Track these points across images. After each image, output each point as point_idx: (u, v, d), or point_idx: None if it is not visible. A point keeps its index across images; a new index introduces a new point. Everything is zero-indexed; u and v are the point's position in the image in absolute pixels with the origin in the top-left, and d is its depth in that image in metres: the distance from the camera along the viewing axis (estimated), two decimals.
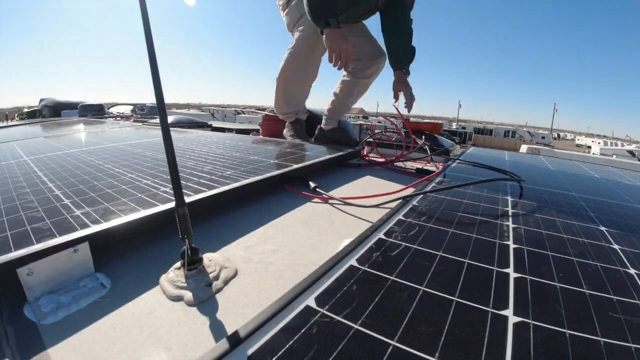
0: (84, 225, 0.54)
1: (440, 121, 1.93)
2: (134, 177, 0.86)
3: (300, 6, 1.39)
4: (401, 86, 1.46)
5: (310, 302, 0.39)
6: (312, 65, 1.55)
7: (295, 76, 1.58)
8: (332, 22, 1.20)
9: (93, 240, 0.50)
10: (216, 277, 0.48)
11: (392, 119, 1.71)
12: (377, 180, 1.07)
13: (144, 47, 0.41)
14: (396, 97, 1.48)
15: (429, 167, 1.27)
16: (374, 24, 1.62)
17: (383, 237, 0.58)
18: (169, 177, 0.47)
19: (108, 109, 6.03)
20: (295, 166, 0.99)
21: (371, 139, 1.77)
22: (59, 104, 5.40)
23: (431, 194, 0.85)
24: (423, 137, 1.68)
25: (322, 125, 1.64)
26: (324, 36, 1.22)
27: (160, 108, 0.44)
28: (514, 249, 0.56)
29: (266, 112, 2.45)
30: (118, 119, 4.07)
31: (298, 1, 1.45)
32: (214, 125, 3.65)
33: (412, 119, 1.68)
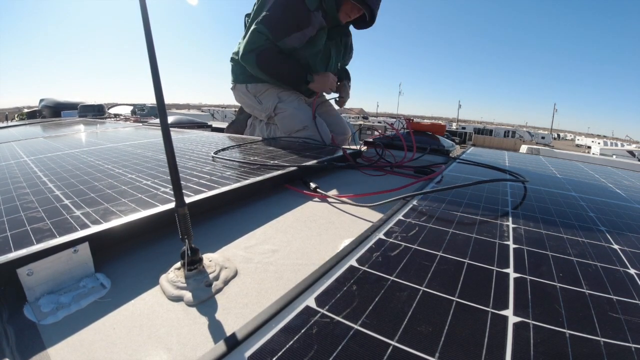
0: (84, 226, 0.54)
1: (441, 122, 1.94)
2: (134, 178, 0.86)
3: (271, 95, 1.90)
4: (342, 88, 2.10)
5: (310, 302, 0.39)
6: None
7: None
8: (309, 78, 1.78)
9: (93, 240, 0.50)
10: (216, 278, 0.48)
11: (391, 122, 1.76)
12: (377, 180, 1.07)
13: (144, 47, 0.41)
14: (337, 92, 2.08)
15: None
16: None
17: (383, 237, 0.58)
18: (169, 177, 0.47)
19: (108, 109, 6.03)
20: (295, 167, 0.99)
21: (371, 140, 1.78)
22: (59, 104, 5.40)
23: (431, 194, 0.85)
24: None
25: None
26: (310, 87, 1.82)
27: (160, 108, 0.44)
28: (514, 249, 0.56)
29: None
30: (118, 119, 4.08)
31: (267, 93, 1.92)
32: (213, 125, 3.66)
33: (413, 119, 1.71)
